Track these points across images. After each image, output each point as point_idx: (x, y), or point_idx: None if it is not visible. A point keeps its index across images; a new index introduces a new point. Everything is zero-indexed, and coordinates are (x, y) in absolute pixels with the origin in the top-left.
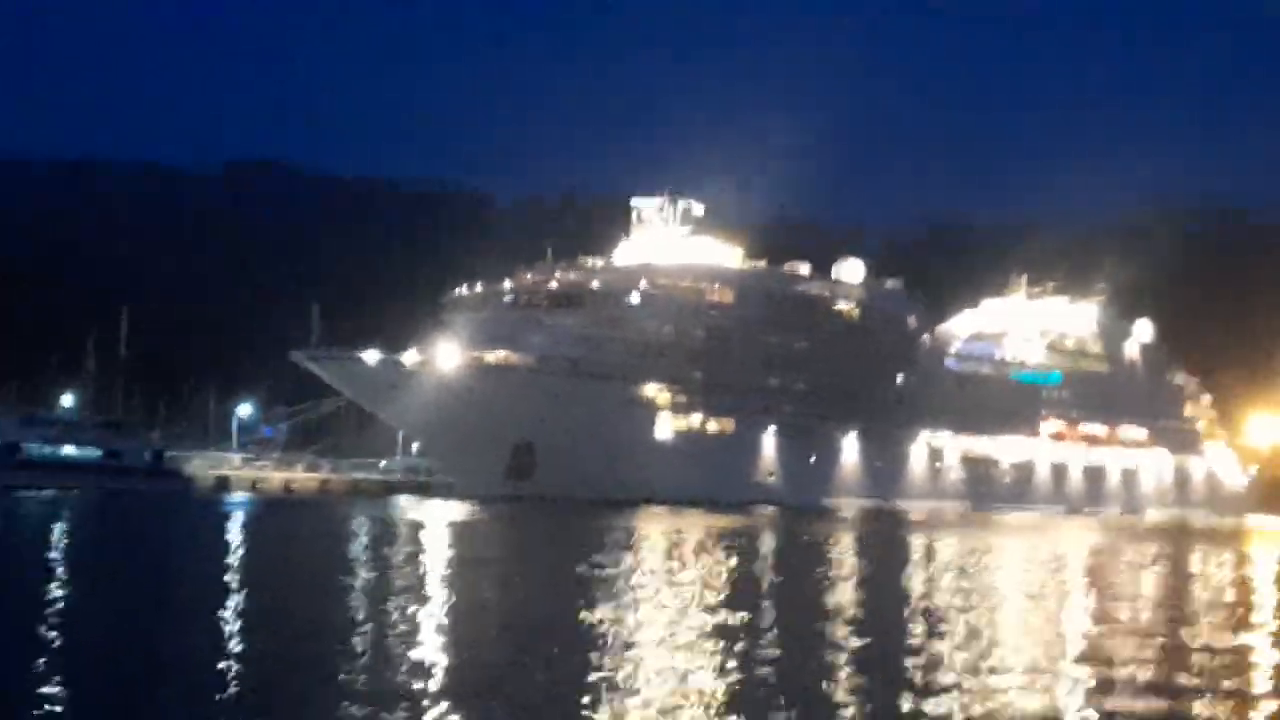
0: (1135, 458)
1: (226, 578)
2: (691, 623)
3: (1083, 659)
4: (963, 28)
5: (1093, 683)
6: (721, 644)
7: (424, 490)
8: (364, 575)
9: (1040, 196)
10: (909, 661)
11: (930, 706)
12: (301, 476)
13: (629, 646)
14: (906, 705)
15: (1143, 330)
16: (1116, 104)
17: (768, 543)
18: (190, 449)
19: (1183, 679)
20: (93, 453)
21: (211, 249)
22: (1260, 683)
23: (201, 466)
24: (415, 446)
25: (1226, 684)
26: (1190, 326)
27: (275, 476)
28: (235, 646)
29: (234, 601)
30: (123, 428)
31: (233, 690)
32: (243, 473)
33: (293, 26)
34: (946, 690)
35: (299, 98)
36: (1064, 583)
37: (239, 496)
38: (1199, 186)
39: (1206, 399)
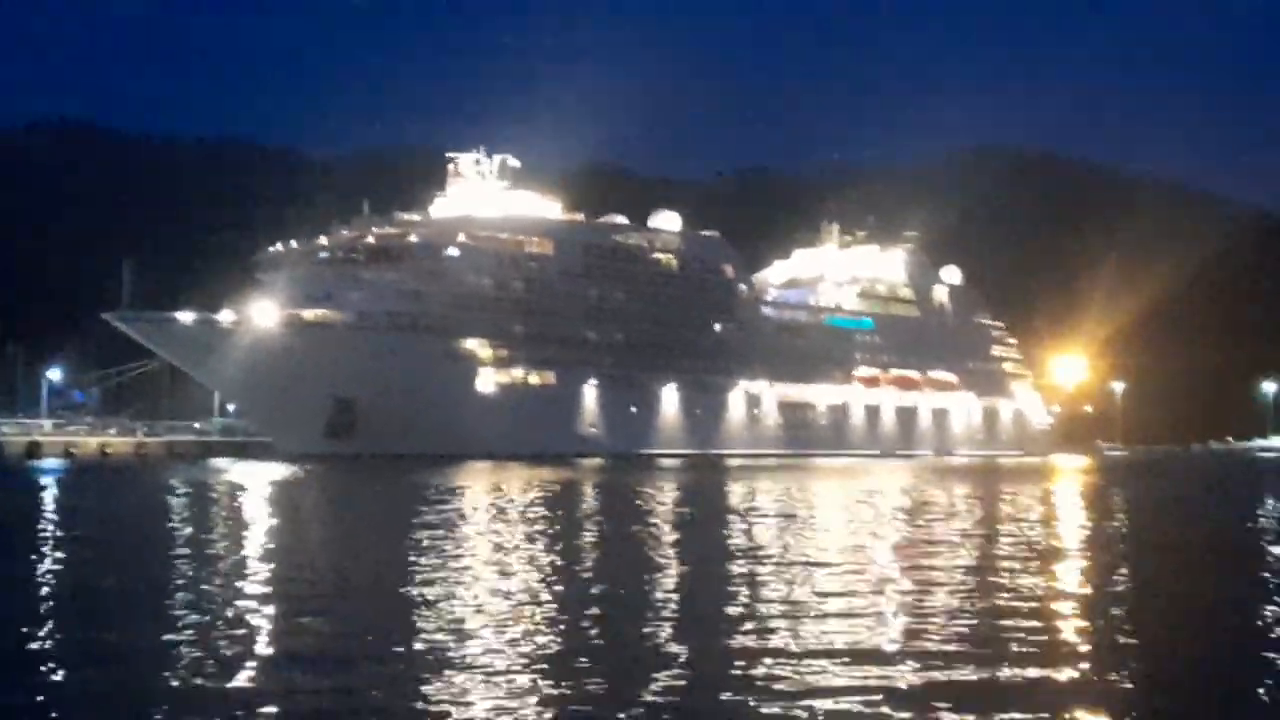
0: (945, 400)
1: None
2: (515, 572)
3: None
4: None
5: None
6: (546, 593)
7: (241, 451)
8: (182, 537)
9: (850, 145)
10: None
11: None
12: (116, 440)
13: (454, 610)
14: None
15: (951, 275)
16: (924, 51)
17: (589, 494)
18: None
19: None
20: None
21: (15, 211)
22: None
23: (11, 432)
24: (231, 407)
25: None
26: (997, 271)
27: (89, 441)
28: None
29: (43, 569)
30: None
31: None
32: (54, 438)
33: None
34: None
35: (102, 56)
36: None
37: (51, 462)
38: (1005, 133)
39: (1013, 341)
